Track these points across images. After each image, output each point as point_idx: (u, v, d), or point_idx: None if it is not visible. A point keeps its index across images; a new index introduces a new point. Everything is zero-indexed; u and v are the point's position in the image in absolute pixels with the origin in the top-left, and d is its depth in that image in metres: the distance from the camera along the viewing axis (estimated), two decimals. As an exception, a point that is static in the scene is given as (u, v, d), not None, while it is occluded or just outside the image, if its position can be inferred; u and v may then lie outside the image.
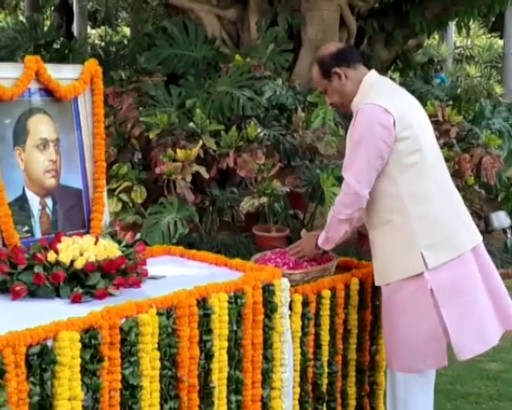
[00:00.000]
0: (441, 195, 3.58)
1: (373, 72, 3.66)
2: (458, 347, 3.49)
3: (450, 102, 9.84)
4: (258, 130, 7.80)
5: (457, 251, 3.50)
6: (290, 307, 3.45)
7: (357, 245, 7.07)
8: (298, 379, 3.56)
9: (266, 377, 3.36)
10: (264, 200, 7.10)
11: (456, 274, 3.49)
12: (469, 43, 27.22)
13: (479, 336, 3.55)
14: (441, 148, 8.11)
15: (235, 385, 3.25)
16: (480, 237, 3.65)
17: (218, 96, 8.18)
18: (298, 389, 3.56)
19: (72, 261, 3.17)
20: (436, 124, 8.49)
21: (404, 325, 3.53)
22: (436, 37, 22.93)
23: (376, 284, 3.66)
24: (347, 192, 3.53)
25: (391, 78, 13.29)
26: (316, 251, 3.75)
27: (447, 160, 7.94)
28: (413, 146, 3.49)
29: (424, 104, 9.21)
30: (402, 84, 11.25)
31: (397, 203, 3.49)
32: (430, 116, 8.51)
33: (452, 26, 17.53)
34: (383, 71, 11.88)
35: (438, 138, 8.30)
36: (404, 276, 3.49)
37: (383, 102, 3.46)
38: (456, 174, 7.91)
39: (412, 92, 10.49)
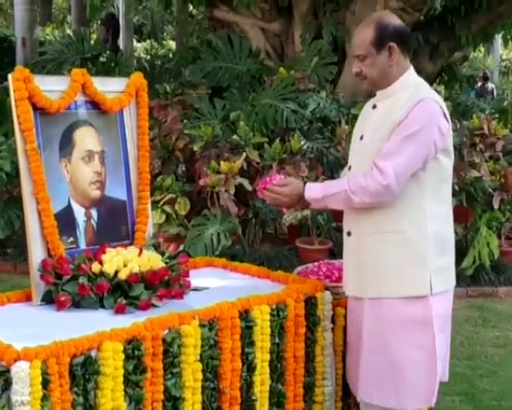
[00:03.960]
0: (452, 221, 3.33)
1: (413, 69, 3.30)
2: None
3: (496, 115, 9.71)
4: (302, 142, 7.78)
5: (451, 283, 3.30)
6: (333, 321, 3.44)
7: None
8: (340, 393, 3.53)
9: (308, 391, 3.35)
10: (307, 212, 7.08)
11: (446, 307, 3.27)
12: (516, 55, 26.95)
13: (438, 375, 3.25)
14: (486, 161, 8.07)
15: (276, 398, 3.24)
16: None
17: (262, 109, 8.19)
18: (340, 404, 3.53)
19: (116, 272, 3.20)
20: (482, 137, 8.39)
21: (398, 351, 3.16)
22: (482, 49, 22.71)
23: (366, 296, 3.21)
24: (379, 182, 3.06)
25: (436, 91, 13.17)
26: (296, 203, 3.31)
27: (493, 173, 7.86)
28: (449, 164, 3.24)
29: (470, 117, 9.14)
30: (447, 97, 11.16)
31: (417, 216, 3.14)
32: (475, 129, 8.48)
33: (498, 38, 17.36)
34: (428, 84, 11.78)
35: (483, 151, 8.26)
36: (408, 294, 3.13)
37: (442, 105, 3.20)
38: (502, 188, 7.81)
39: (458, 105, 10.39)
